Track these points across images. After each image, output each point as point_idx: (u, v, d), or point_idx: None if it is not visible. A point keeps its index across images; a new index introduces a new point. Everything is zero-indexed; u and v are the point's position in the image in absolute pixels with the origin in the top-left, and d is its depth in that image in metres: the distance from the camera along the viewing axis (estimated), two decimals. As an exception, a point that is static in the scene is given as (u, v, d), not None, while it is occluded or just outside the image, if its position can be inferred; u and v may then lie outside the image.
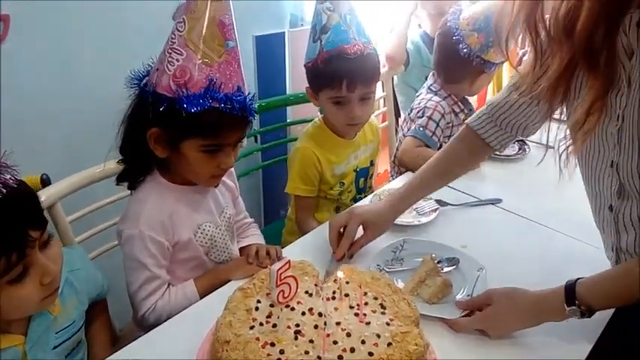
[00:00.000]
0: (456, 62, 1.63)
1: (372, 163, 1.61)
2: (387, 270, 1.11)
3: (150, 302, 1.07)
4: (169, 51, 0.99)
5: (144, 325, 1.09)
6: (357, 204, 1.37)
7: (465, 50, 1.59)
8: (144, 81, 1.03)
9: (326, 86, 1.37)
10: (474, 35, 1.58)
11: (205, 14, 0.97)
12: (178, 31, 0.98)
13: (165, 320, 1.04)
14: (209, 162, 1.06)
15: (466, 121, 1.22)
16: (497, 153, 1.68)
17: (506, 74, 2.84)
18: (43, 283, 0.81)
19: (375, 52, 1.39)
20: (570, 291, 0.89)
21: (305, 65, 1.42)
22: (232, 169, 1.25)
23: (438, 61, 1.73)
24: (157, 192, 1.10)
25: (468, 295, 1.04)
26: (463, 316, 0.99)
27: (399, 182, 1.51)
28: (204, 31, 0.97)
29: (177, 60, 0.98)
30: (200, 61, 0.97)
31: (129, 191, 1.36)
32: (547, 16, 0.87)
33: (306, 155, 1.46)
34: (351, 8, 1.37)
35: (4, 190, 0.75)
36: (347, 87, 1.34)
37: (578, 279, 0.90)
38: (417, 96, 1.78)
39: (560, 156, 0.96)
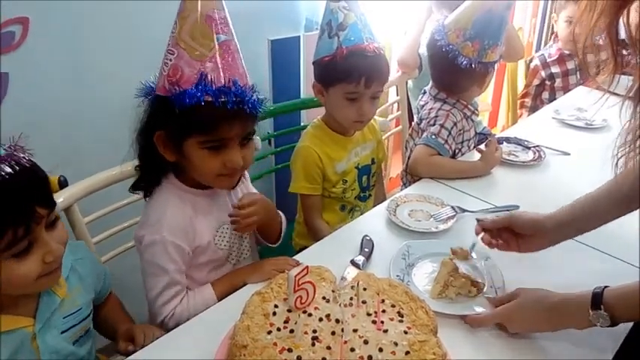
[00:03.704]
0: (459, 74, 1.62)
1: (373, 161, 1.63)
2: (409, 280, 1.11)
3: (169, 308, 1.07)
4: (166, 54, 1.01)
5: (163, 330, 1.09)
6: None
7: (464, 62, 1.58)
8: (151, 92, 1.05)
9: (342, 81, 1.39)
10: (468, 45, 1.58)
11: (192, 12, 0.98)
12: (172, 32, 1.00)
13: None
14: (213, 160, 1.04)
15: None
16: (513, 159, 1.68)
17: (522, 70, 2.83)
18: (45, 261, 0.83)
19: (384, 55, 1.44)
20: (597, 296, 0.88)
21: (317, 61, 1.43)
22: (247, 177, 1.25)
23: (439, 78, 1.71)
24: (176, 195, 1.10)
25: (491, 287, 1.08)
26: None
27: (412, 190, 1.51)
28: (192, 27, 0.98)
29: (170, 60, 1.00)
30: (190, 57, 0.98)
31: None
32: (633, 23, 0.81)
33: (307, 154, 1.48)
34: (363, 12, 1.40)
35: (17, 168, 0.79)
36: (365, 83, 1.37)
37: (607, 287, 0.89)
38: (422, 106, 1.76)
39: (616, 163, 0.89)
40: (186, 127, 1.01)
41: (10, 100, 1.45)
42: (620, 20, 0.81)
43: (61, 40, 1.51)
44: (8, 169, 0.78)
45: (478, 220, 1.17)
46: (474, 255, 1.14)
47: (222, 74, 0.98)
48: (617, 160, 0.88)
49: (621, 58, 0.85)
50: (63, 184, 1.26)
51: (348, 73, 1.37)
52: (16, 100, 1.46)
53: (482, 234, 1.15)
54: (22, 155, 0.81)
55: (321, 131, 1.53)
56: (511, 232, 1.13)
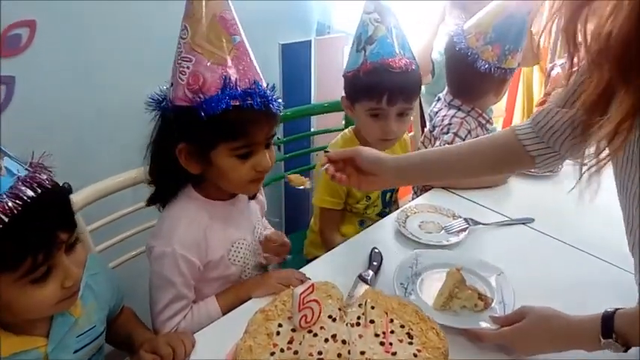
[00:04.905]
0: (478, 79, 1.58)
1: None
2: (412, 289, 1.07)
3: (173, 323, 1.04)
4: (179, 61, 0.97)
5: None
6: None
7: (484, 66, 1.54)
8: (163, 103, 1.01)
9: (365, 97, 1.35)
10: (489, 49, 1.54)
11: (204, 14, 0.94)
12: (182, 38, 0.97)
13: None
14: (243, 166, 1.01)
15: (512, 126, 1.12)
16: (529, 170, 1.63)
17: (537, 75, 2.79)
18: (64, 286, 0.80)
19: (417, 70, 1.37)
20: (608, 322, 0.83)
21: (345, 74, 1.40)
22: (261, 188, 1.22)
23: (455, 82, 1.67)
24: (192, 208, 1.07)
25: (500, 303, 1.03)
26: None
27: (423, 200, 1.48)
28: (207, 31, 0.95)
29: (188, 67, 0.95)
30: (210, 62, 0.94)
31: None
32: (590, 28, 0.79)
33: None
34: (397, 22, 1.35)
35: (39, 190, 0.74)
36: (387, 101, 1.32)
37: (617, 309, 0.84)
38: (436, 112, 1.73)
39: (586, 174, 0.88)
40: (214, 136, 0.97)
41: (16, 104, 1.43)
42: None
43: (68, 42, 1.50)
44: (30, 193, 0.73)
45: (326, 151, 1.16)
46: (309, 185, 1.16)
47: (245, 76, 0.96)
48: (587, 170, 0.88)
49: (578, 65, 0.86)
50: (67, 191, 1.24)
51: (371, 90, 1.32)
52: (22, 104, 1.44)
53: (327, 165, 1.12)
54: (44, 177, 0.76)
55: (351, 145, 1.45)
56: (355, 168, 1.12)
